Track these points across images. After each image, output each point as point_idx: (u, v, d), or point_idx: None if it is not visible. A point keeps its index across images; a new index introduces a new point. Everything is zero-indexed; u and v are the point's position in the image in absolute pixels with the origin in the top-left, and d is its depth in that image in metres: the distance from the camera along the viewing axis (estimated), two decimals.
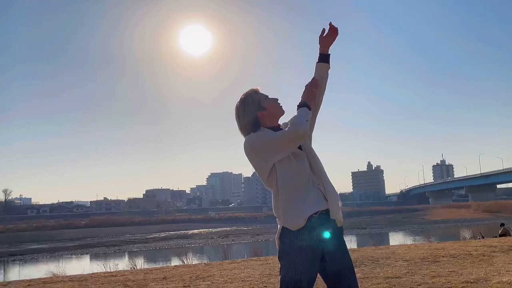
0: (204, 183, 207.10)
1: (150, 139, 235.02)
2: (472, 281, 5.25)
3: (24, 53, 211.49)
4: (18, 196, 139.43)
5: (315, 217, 2.39)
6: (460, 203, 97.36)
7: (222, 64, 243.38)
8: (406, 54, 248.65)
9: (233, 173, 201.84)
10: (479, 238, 14.10)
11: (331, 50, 2.77)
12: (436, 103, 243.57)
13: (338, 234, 2.46)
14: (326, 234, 2.39)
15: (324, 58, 2.74)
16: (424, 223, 55.48)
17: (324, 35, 2.72)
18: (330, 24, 2.71)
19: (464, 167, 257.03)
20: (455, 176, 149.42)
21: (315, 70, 2.74)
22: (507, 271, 5.88)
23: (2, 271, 27.07)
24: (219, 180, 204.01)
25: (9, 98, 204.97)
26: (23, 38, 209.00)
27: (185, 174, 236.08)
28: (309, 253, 2.35)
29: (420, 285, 5.19)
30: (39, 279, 8.39)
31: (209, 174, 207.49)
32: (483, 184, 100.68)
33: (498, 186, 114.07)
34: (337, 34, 2.73)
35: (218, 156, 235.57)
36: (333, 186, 2.52)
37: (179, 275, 7.27)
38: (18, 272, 24.22)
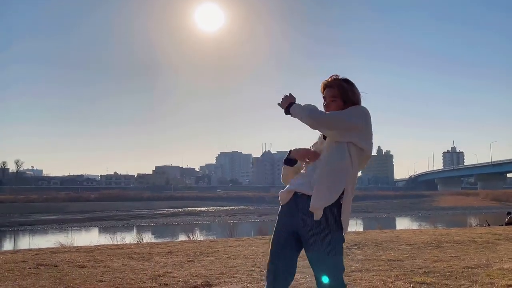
0: (214, 161, 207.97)
1: (161, 116, 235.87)
2: (473, 266, 5.27)
3: (38, 27, 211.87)
4: (29, 168, 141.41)
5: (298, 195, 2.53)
6: (468, 191, 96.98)
7: (234, 43, 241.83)
8: (420, 38, 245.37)
9: (242, 152, 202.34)
10: (485, 226, 14.08)
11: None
12: (449, 90, 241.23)
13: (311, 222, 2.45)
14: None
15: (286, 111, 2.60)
16: (431, 209, 55.38)
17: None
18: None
19: (475, 155, 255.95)
20: (465, 164, 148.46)
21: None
22: (509, 258, 5.90)
23: (12, 240, 27.58)
24: (229, 159, 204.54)
25: (20, 72, 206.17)
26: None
27: (194, 152, 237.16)
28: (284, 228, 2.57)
29: (421, 268, 5.22)
30: (47, 248, 8.56)
31: (219, 153, 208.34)
32: (493, 173, 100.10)
33: (508, 175, 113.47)
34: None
35: (228, 136, 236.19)
36: (326, 186, 2.45)
37: (184, 250, 7.38)
38: (27, 242, 24.67)
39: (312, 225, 2.42)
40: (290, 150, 2.66)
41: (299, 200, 2.49)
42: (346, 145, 2.47)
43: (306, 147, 2.65)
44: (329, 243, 2.42)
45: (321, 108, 2.59)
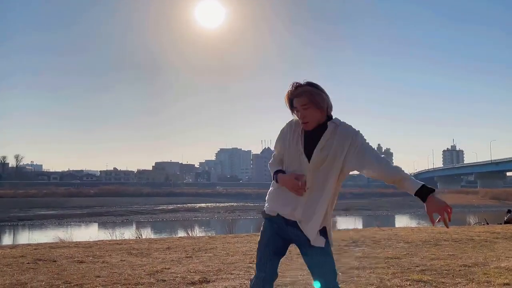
0: (213, 158, 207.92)
1: (161, 112, 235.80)
2: (470, 265, 5.29)
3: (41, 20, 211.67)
4: (29, 163, 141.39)
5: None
6: (468, 189, 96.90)
7: (235, 41, 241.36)
8: (420, 35, 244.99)
9: (242, 149, 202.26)
10: (483, 224, 14.09)
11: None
12: (449, 87, 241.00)
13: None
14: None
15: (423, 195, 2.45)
16: None
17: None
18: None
19: (475, 153, 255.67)
20: (465, 162, 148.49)
21: (405, 186, 2.50)
22: (506, 257, 5.91)
23: (11, 235, 27.60)
24: (228, 156, 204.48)
25: (20, 66, 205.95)
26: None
27: (194, 149, 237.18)
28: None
29: (418, 266, 5.24)
30: (46, 243, 8.59)
31: (218, 149, 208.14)
32: (493, 171, 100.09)
33: (508, 174, 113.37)
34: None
35: (228, 132, 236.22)
36: (320, 214, 2.44)
37: (182, 246, 7.40)
38: (26, 237, 24.68)
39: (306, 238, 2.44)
40: (277, 173, 2.51)
41: (288, 221, 2.47)
42: (339, 170, 2.44)
43: (292, 174, 2.44)
44: (327, 247, 2.46)
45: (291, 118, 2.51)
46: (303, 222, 2.43)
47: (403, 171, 2.50)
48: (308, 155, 2.42)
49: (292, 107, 2.47)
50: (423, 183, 2.42)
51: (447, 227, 2.38)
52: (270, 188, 2.61)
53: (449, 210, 2.32)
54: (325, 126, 2.45)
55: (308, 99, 2.39)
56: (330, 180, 2.43)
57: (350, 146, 2.45)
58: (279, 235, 2.50)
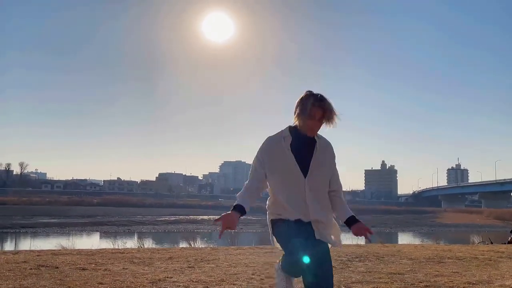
0: (217, 170, 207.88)
1: (165, 123, 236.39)
2: (474, 282, 5.25)
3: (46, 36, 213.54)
4: (33, 170, 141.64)
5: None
6: (472, 208, 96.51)
7: (241, 53, 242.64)
8: (425, 56, 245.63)
9: (246, 162, 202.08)
10: (487, 244, 13.99)
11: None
12: (454, 107, 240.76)
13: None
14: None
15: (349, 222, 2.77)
16: (434, 226, 55.06)
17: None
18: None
19: (479, 173, 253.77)
20: (469, 181, 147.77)
21: (339, 214, 2.80)
22: (511, 275, 5.87)
23: (14, 242, 27.61)
24: (232, 168, 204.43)
25: (24, 75, 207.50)
26: None
27: (198, 160, 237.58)
28: None
29: (421, 282, 5.20)
30: (49, 250, 8.59)
31: (222, 162, 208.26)
32: (498, 191, 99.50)
33: None
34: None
35: (232, 145, 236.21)
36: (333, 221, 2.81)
37: (184, 256, 7.39)
38: (28, 244, 24.67)
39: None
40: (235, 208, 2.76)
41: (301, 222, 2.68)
42: (329, 176, 2.75)
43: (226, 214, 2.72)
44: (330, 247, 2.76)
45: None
46: (316, 222, 2.63)
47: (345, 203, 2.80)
48: (302, 168, 2.61)
49: (305, 112, 2.57)
50: (353, 214, 2.74)
51: (370, 240, 2.85)
52: (270, 200, 2.76)
53: (369, 230, 2.68)
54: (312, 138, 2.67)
55: (327, 116, 2.59)
56: (325, 184, 2.70)
57: (331, 157, 2.72)
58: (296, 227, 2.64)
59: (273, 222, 2.74)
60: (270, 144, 2.64)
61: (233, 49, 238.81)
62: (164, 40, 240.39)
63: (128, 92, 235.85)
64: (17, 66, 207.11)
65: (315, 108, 2.54)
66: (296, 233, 2.59)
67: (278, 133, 2.68)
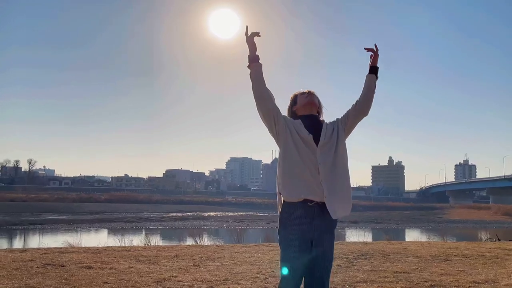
0: (224, 167, 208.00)
1: (173, 120, 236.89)
2: (480, 281, 5.22)
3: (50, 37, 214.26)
4: (42, 167, 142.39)
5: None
6: (480, 204, 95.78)
7: (247, 47, 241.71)
8: (434, 50, 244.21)
9: (253, 158, 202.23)
10: (495, 241, 13.90)
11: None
12: (462, 103, 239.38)
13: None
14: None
15: (373, 70, 3.00)
16: (441, 222, 54.73)
17: (372, 54, 2.98)
18: (375, 46, 3.03)
19: (487, 168, 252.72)
20: (477, 177, 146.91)
21: (365, 81, 2.99)
22: None
23: (22, 238, 27.79)
24: (239, 165, 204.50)
25: (31, 72, 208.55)
26: None
27: (205, 157, 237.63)
28: None
29: (427, 281, 5.18)
30: (55, 248, 8.63)
31: (229, 158, 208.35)
32: (506, 187, 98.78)
33: None
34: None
35: (239, 142, 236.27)
36: (347, 194, 2.75)
37: (190, 254, 7.40)
38: (37, 241, 24.82)
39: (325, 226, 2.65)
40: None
41: (312, 208, 2.63)
42: (343, 143, 2.81)
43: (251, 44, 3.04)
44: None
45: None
46: (330, 199, 2.62)
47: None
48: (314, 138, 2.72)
49: (295, 100, 2.92)
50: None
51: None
52: (280, 172, 2.74)
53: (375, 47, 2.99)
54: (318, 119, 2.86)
55: (312, 94, 2.91)
56: (340, 153, 2.75)
57: (337, 123, 2.86)
58: (305, 233, 2.64)
59: (283, 205, 2.78)
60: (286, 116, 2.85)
61: (239, 46, 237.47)
62: (172, 36, 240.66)
63: (135, 89, 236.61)
64: (24, 63, 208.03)
65: (300, 93, 2.92)
66: (297, 254, 2.64)
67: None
